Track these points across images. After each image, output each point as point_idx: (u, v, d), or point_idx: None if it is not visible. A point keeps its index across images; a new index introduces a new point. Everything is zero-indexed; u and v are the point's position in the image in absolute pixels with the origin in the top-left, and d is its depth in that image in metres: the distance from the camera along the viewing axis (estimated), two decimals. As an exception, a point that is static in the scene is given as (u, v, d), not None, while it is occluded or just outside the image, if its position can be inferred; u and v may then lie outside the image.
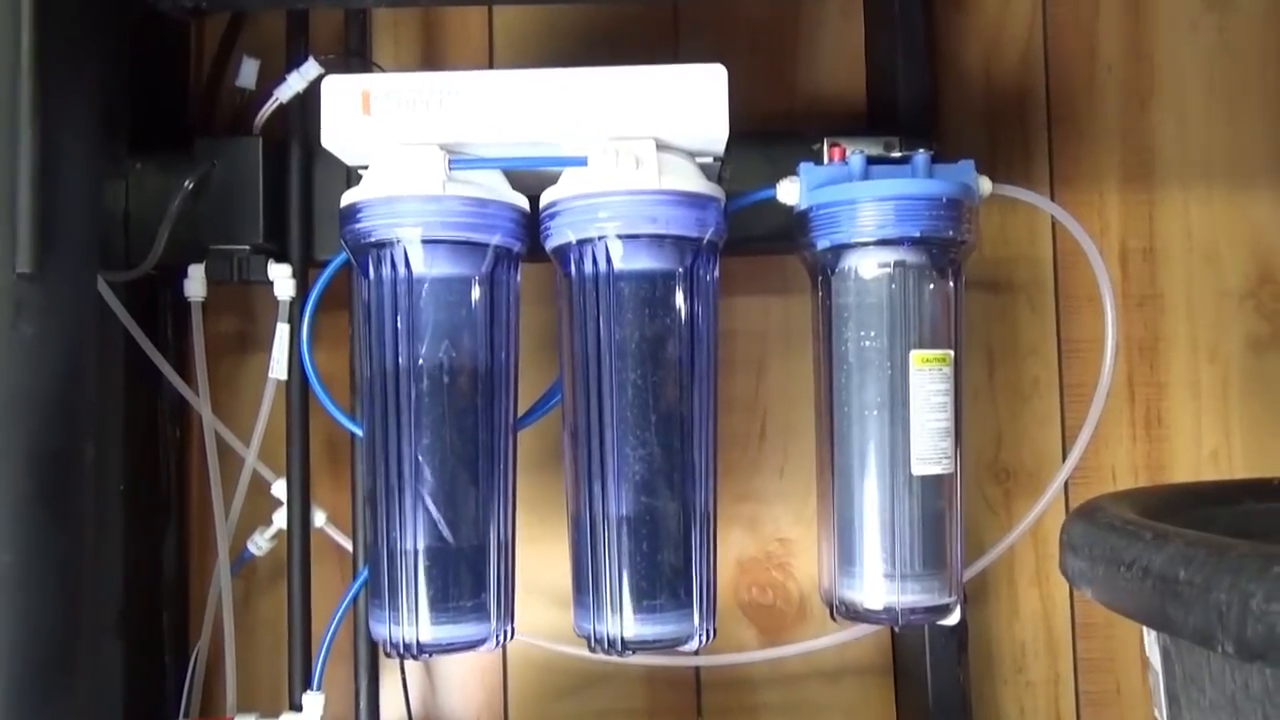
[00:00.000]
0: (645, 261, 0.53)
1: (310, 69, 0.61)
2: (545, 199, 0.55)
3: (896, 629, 0.67)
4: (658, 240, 0.53)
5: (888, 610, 0.55)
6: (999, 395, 0.72)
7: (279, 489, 0.64)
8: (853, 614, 0.56)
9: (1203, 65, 0.74)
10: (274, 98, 0.62)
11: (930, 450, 0.55)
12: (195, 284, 0.63)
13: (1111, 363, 0.62)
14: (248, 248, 0.62)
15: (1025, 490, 0.72)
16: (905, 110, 0.66)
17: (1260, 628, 0.23)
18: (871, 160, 0.56)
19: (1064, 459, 0.71)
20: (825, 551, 0.58)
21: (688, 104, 0.53)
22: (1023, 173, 0.73)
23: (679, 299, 0.54)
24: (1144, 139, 0.73)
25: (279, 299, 0.63)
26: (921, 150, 0.56)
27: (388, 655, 0.55)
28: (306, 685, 0.63)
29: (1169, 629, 0.27)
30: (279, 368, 0.63)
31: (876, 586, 0.55)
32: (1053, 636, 0.71)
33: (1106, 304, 0.62)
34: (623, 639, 0.53)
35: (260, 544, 0.66)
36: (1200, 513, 0.52)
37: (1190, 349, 0.73)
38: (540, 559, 0.64)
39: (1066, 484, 0.65)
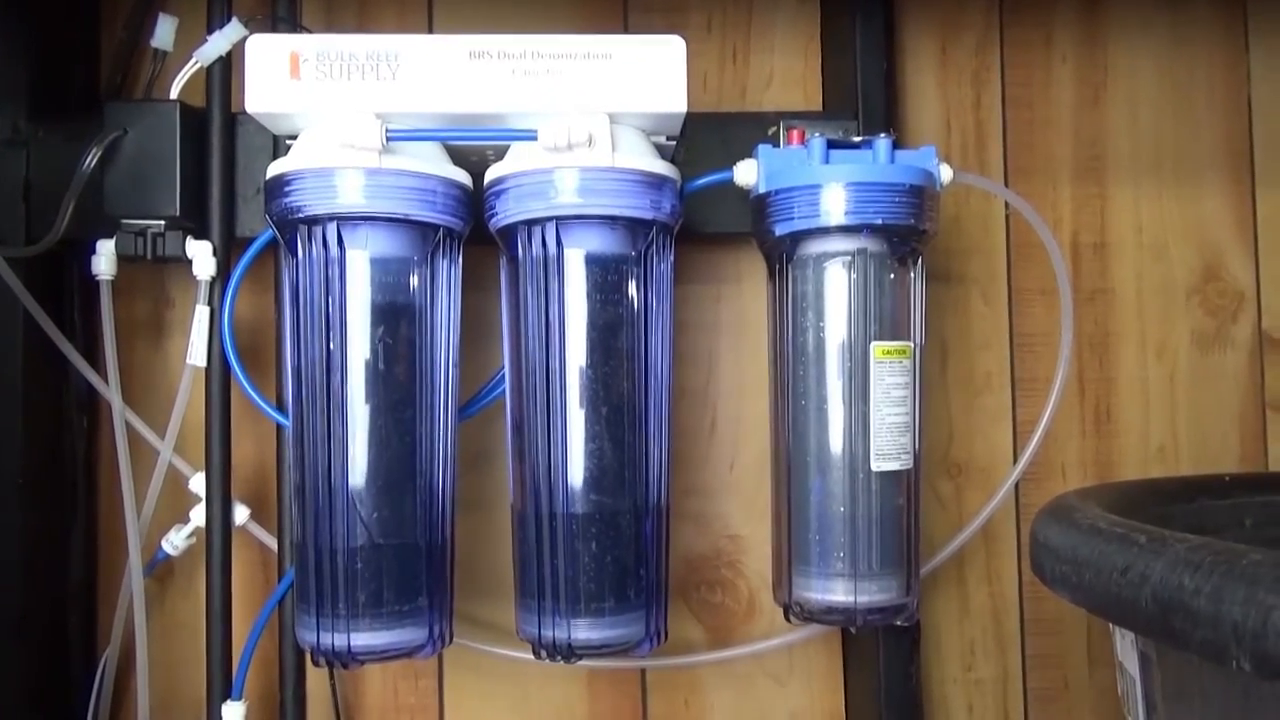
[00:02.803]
0: (597, 244, 0.50)
1: (233, 29, 0.57)
2: (490, 176, 0.51)
3: (854, 630, 0.65)
4: (610, 222, 0.50)
5: (845, 611, 0.53)
6: (951, 389, 0.71)
7: (197, 484, 0.60)
8: (808, 614, 0.54)
9: (1154, 60, 0.73)
10: (193, 60, 0.57)
11: (890, 446, 0.53)
12: (104, 261, 0.58)
13: (1068, 358, 0.62)
14: (163, 222, 0.57)
15: (976, 485, 0.71)
16: (863, 95, 0.64)
17: (1282, 643, 0.21)
18: (832, 144, 0.54)
19: (1015, 454, 0.71)
20: (779, 549, 0.56)
21: (645, 77, 0.50)
22: (977, 162, 0.72)
23: (632, 285, 0.51)
24: (1096, 132, 0.73)
25: (198, 279, 0.58)
26: (883, 135, 0.54)
27: (315, 664, 0.51)
28: (226, 695, 0.59)
29: (1172, 641, 0.25)
30: (198, 353, 0.58)
31: (834, 586, 0.53)
32: (1002, 634, 0.70)
33: (1065, 299, 0.61)
34: (570, 644, 0.50)
35: (176, 543, 0.61)
36: (1160, 510, 0.52)
37: (1139, 345, 0.72)
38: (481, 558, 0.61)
39: (1017, 480, 0.64)
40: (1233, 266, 0.73)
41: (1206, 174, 0.73)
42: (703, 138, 0.61)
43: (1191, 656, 0.24)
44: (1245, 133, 0.74)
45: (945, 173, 0.56)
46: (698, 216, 0.60)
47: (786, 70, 0.71)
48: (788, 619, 0.55)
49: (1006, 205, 0.71)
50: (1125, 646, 0.37)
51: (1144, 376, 0.72)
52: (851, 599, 0.53)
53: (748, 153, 0.56)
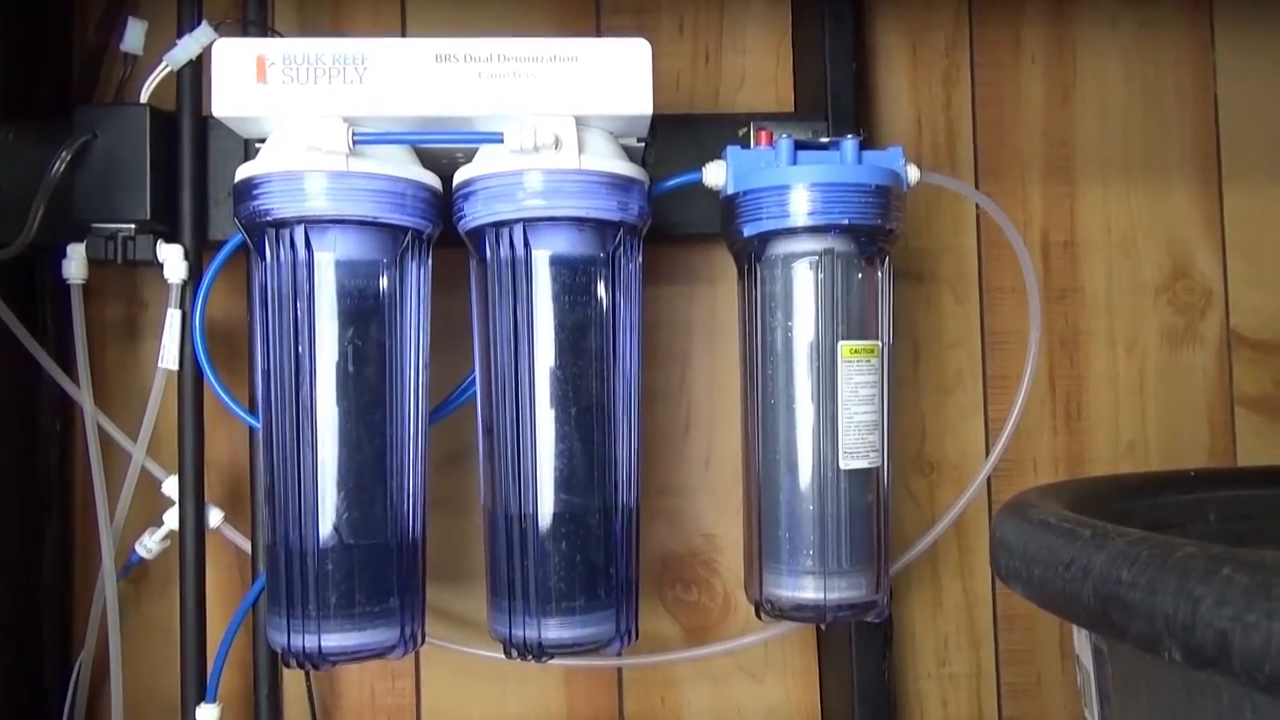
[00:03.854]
0: (565, 246, 0.51)
1: (203, 33, 0.57)
2: (459, 178, 0.52)
3: (824, 627, 0.66)
4: (578, 224, 0.51)
5: (815, 607, 0.53)
6: (923, 387, 0.71)
7: (170, 487, 0.60)
8: (779, 611, 0.55)
9: (1122, 59, 0.74)
10: (163, 64, 0.57)
11: (858, 444, 0.53)
12: (75, 265, 0.58)
13: (1035, 355, 0.62)
14: (133, 226, 0.57)
15: (949, 482, 0.71)
16: (833, 96, 0.64)
17: (1210, 634, 0.22)
18: (800, 145, 0.54)
19: (987, 451, 0.71)
20: (750, 548, 0.57)
21: (611, 79, 0.50)
22: (947, 161, 0.72)
23: (600, 286, 0.52)
24: (1066, 131, 0.73)
25: (169, 282, 0.58)
26: (850, 136, 0.54)
27: (286, 665, 0.51)
28: (201, 697, 0.59)
29: (1111, 633, 0.25)
30: (169, 357, 0.58)
31: (803, 583, 0.54)
32: (975, 629, 0.71)
33: (1032, 297, 0.62)
34: (541, 643, 0.50)
35: (150, 546, 0.61)
36: (1123, 505, 0.52)
37: (1109, 342, 0.73)
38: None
39: (989, 477, 0.65)
40: (1201, 264, 0.74)
41: (1175, 172, 0.74)
42: (675, 139, 0.61)
43: (1126, 646, 0.25)
44: (1212, 131, 0.74)
45: (912, 173, 0.56)
46: (671, 217, 0.60)
47: (758, 71, 0.71)
48: (759, 616, 0.56)
49: (977, 205, 0.72)
50: (1081, 640, 0.38)
51: (1114, 373, 0.73)
52: (821, 596, 0.53)
53: (720, 154, 0.56)
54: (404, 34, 0.69)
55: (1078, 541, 0.29)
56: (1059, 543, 0.30)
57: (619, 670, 0.69)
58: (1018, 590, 0.34)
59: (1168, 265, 0.74)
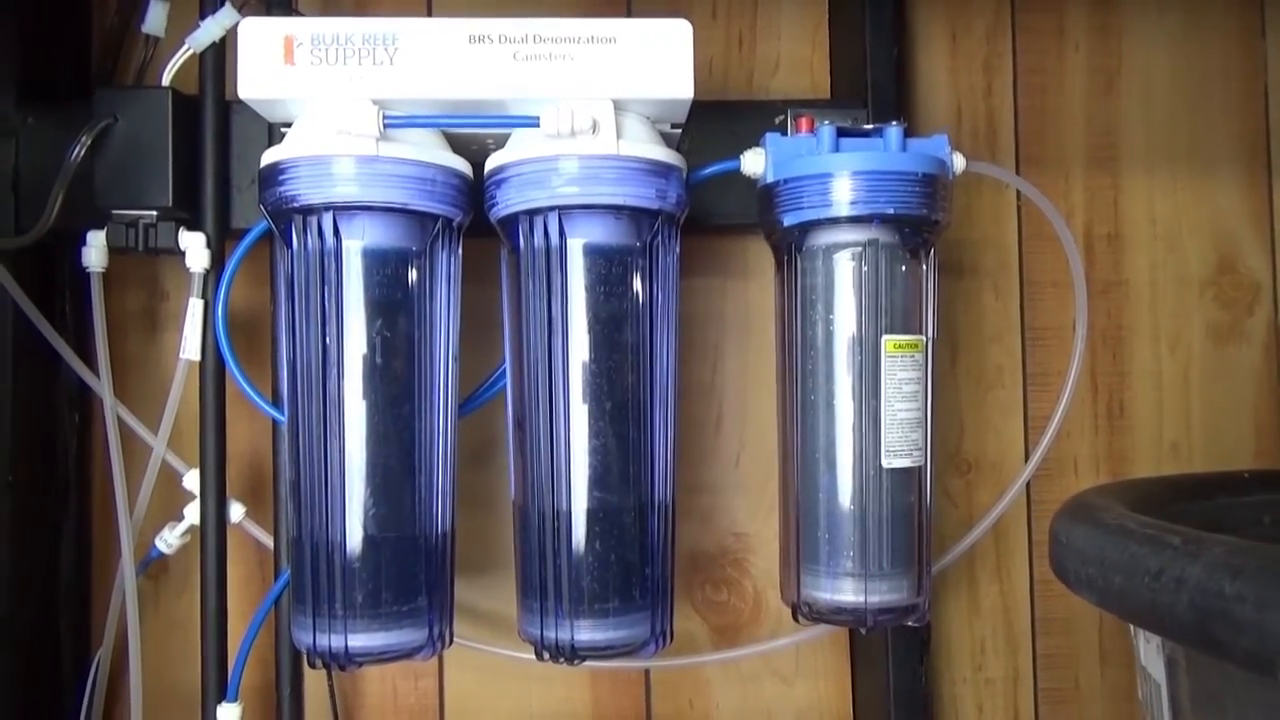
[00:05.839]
0: (601, 235, 0.49)
1: (226, 15, 0.55)
2: (491, 164, 0.50)
3: (863, 631, 0.64)
4: (615, 212, 0.49)
5: (855, 611, 0.52)
6: (962, 384, 0.69)
7: (191, 480, 0.59)
8: (817, 614, 0.53)
9: (1169, 48, 0.72)
10: (185, 46, 0.56)
11: (901, 442, 0.52)
12: (95, 253, 0.57)
13: (1082, 352, 0.60)
14: (155, 213, 0.56)
15: (987, 482, 0.69)
16: (873, 82, 0.62)
17: (1336, 655, 0.20)
18: (842, 132, 0.52)
19: (1026, 449, 0.69)
20: (787, 548, 0.55)
21: (650, 61, 0.48)
22: (988, 150, 0.70)
23: (636, 277, 0.50)
24: (1109, 121, 0.71)
25: (191, 271, 0.57)
26: (894, 123, 0.52)
27: (312, 666, 0.50)
28: (221, 696, 0.58)
29: (1211, 649, 0.24)
30: (191, 347, 0.57)
31: (843, 585, 0.52)
32: (1012, 633, 0.69)
33: (1079, 292, 0.60)
34: (574, 646, 0.49)
35: (170, 541, 0.60)
36: (1176, 508, 0.50)
37: (1152, 338, 0.71)
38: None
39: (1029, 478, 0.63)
40: (1248, 258, 0.72)
41: (1222, 164, 0.72)
42: (709, 126, 0.59)
43: (1230, 665, 0.23)
44: (1261, 122, 0.72)
45: (958, 161, 0.54)
46: (704, 207, 0.58)
47: (793, 56, 0.69)
48: (796, 619, 0.54)
49: (1019, 196, 0.69)
50: (1150, 652, 0.36)
51: (1158, 370, 0.71)
52: (861, 599, 0.51)
53: (755, 141, 0.55)
54: (429, 13, 0.67)
55: (1167, 550, 0.27)
56: (1144, 550, 0.28)
57: (646, 671, 0.68)
58: (1090, 599, 0.32)
59: (1214, 259, 0.72)
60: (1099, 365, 0.70)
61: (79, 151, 0.54)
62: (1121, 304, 0.71)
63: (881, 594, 0.52)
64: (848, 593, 0.52)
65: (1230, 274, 0.72)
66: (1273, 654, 0.21)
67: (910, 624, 0.54)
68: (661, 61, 0.48)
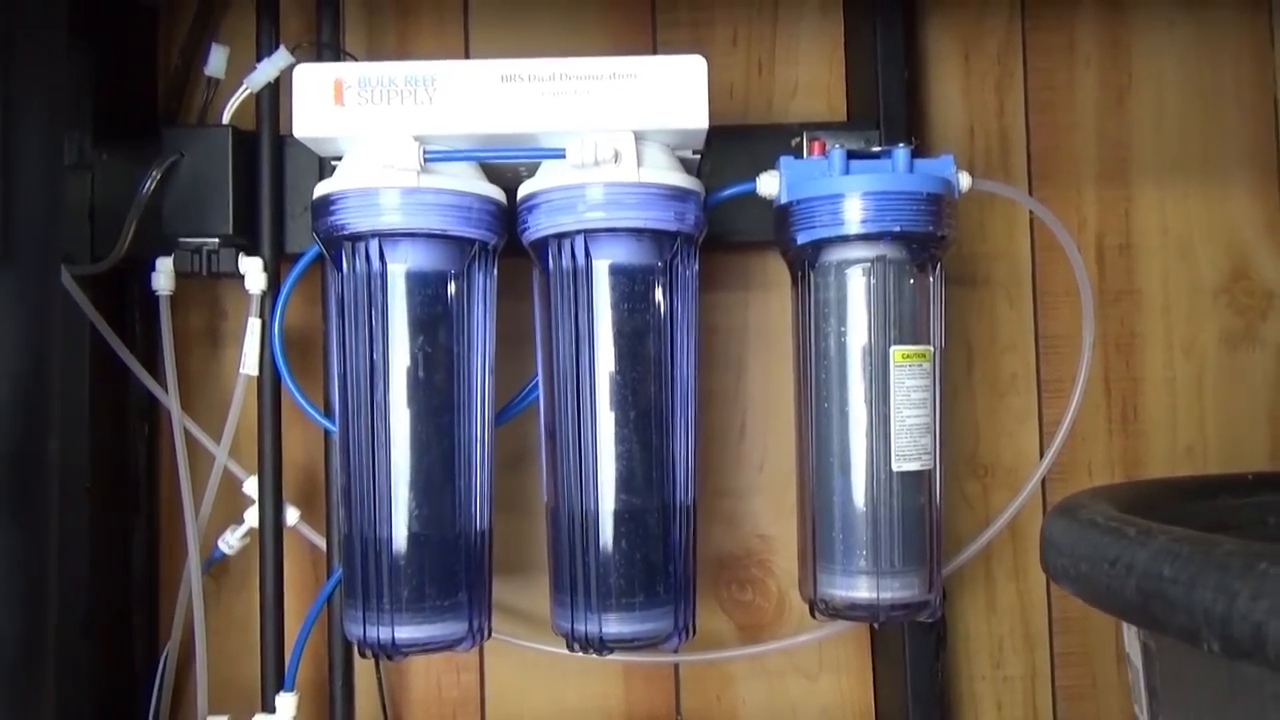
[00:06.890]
0: (624, 255, 0.53)
1: (281, 57, 0.60)
2: (523, 192, 0.54)
3: (876, 626, 0.67)
4: (637, 234, 0.53)
5: (869, 607, 0.55)
6: (977, 391, 0.72)
7: (250, 487, 0.63)
8: (833, 611, 0.56)
9: (1179, 60, 0.74)
10: (244, 86, 0.61)
11: (910, 447, 0.55)
12: (163, 277, 0.62)
13: (1089, 358, 0.62)
14: (217, 240, 0.61)
15: (1003, 485, 0.72)
16: (885, 104, 0.65)
17: (1247, 626, 0.23)
18: (852, 155, 0.56)
19: (1041, 454, 0.72)
20: (805, 548, 0.58)
21: (668, 95, 0.52)
22: (1001, 167, 0.73)
23: (659, 293, 0.54)
24: (1121, 134, 0.73)
25: (250, 293, 0.62)
26: (902, 145, 0.55)
27: (362, 656, 0.54)
28: (279, 686, 0.62)
29: (1154, 627, 0.27)
30: (250, 363, 0.62)
31: (857, 583, 0.55)
32: (1030, 631, 0.71)
33: (1085, 299, 0.62)
34: (601, 637, 0.52)
35: (231, 542, 0.65)
36: (1178, 508, 0.53)
37: (1165, 344, 0.73)
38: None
39: (1044, 480, 0.65)
40: (1261, 266, 0.73)
41: (1233, 173, 0.74)
42: (730, 149, 0.62)
43: (1168, 639, 0.26)
44: (1272, 131, 0.74)
45: (964, 180, 0.57)
46: (727, 225, 0.62)
47: (811, 80, 0.73)
48: (813, 615, 0.57)
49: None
50: (1130, 638, 0.38)
51: (1171, 376, 0.73)
52: (874, 595, 0.54)
53: (772, 163, 0.58)
54: (467, 53, 0.72)
55: (1122, 540, 0.30)
56: (1104, 541, 0.31)
57: (676, 667, 0.71)
58: (1066, 587, 0.35)
59: (1226, 267, 0.73)
60: (1112, 371, 0.73)
61: (149, 185, 0.59)
62: (1134, 311, 0.73)
63: (894, 590, 0.55)
64: (862, 589, 0.55)
65: (1243, 281, 0.73)
66: (1198, 628, 0.24)
67: (923, 620, 0.57)
68: (678, 95, 0.52)
